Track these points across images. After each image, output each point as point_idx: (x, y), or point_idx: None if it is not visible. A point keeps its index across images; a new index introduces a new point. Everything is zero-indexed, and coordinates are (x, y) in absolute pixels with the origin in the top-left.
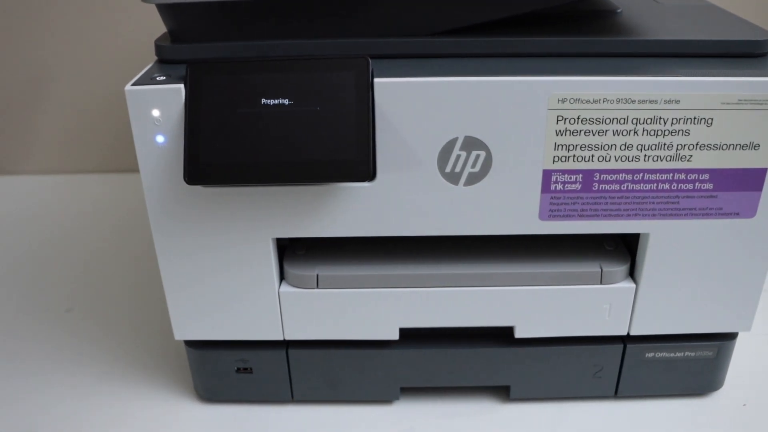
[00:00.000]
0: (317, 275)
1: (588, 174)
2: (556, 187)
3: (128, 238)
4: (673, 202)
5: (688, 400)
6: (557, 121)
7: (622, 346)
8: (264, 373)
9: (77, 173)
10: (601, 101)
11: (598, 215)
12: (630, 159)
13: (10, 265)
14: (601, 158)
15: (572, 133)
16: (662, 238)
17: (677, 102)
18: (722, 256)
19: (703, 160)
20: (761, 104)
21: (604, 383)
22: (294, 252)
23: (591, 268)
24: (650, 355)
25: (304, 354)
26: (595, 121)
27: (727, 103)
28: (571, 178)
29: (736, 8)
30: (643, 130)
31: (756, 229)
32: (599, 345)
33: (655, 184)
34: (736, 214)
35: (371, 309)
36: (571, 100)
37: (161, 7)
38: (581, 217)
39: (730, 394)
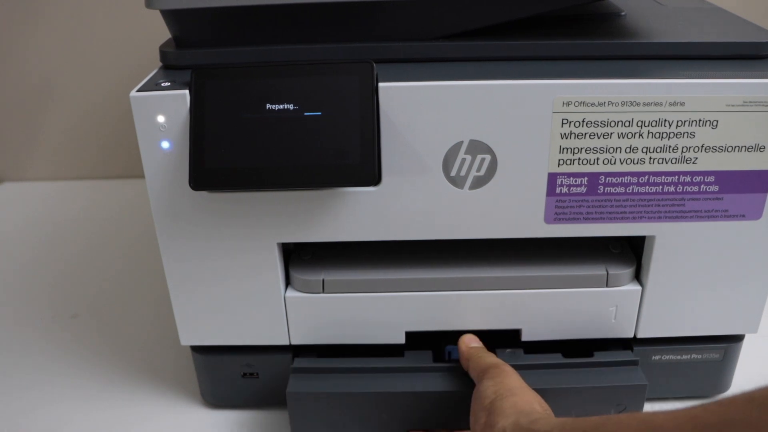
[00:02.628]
0: (323, 280)
1: (593, 177)
2: (561, 190)
3: (133, 244)
4: (678, 205)
5: (695, 403)
6: (562, 124)
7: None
8: (270, 378)
9: (82, 179)
10: (606, 104)
11: (603, 218)
12: (635, 161)
13: (15, 271)
14: (606, 161)
15: (577, 136)
16: (668, 240)
17: (682, 104)
18: (728, 258)
19: (709, 162)
20: (766, 106)
21: None
22: (300, 257)
23: (597, 270)
24: (657, 357)
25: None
26: (600, 123)
27: (732, 105)
28: (576, 181)
29: (740, 10)
30: (648, 133)
31: (762, 230)
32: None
33: (661, 187)
34: (742, 216)
35: (377, 313)
36: (576, 103)
37: (166, 13)
38: (587, 220)
39: None
